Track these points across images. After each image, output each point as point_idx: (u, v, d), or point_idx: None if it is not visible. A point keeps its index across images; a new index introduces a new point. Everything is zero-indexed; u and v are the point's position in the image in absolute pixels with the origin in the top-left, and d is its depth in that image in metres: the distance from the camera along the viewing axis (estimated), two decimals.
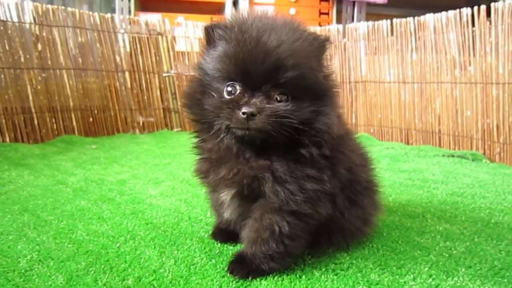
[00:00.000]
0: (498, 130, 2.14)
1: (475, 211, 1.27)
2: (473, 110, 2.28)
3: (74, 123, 2.73)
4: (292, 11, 4.29)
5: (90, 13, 2.82)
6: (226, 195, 0.82)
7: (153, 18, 3.23)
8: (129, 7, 3.61)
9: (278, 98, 0.74)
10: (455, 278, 0.82)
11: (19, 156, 2.03)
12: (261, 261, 0.80)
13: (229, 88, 0.74)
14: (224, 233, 0.98)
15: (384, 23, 2.77)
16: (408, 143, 2.68)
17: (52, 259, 0.87)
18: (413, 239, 1.02)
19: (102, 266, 0.84)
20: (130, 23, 3.03)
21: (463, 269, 0.86)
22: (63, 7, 2.66)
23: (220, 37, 0.76)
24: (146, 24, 3.07)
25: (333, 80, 0.82)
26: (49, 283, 0.77)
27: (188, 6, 3.98)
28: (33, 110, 2.52)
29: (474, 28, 2.25)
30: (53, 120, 2.62)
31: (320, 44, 0.79)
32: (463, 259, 0.91)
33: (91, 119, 2.82)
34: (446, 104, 2.45)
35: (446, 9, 2.42)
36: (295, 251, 0.83)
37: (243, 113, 0.69)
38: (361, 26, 2.92)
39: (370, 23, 2.86)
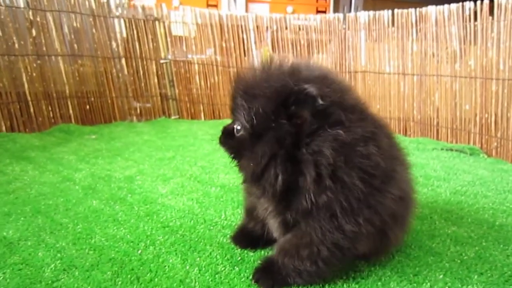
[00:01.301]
0: (496, 125, 2.19)
1: (479, 212, 1.31)
2: (472, 104, 2.32)
3: (71, 111, 2.68)
4: None
5: None
6: (274, 222, 0.86)
7: (148, 1, 3.15)
8: None
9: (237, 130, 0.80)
10: (470, 286, 0.86)
11: (18, 147, 2.00)
12: (289, 273, 0.82)
13: None
14: (246, 238, 0.99)
15: (385, 13, 2.75)
16: (406, 135, 2.72)
17: (76, 268, 0.88)
18: (425, 244, 1.06)
19: (129, 276, 0.85)
20: (126, 8, 2.95)
21: (475, 276, 0.90)
22: None
23: None
24: (143, 8, 2.99)
25: (275, 125, 0.73)
26: None
27: None
28: (28, 98, 2.46)
29: (476, 23, 2.26)
30: (49, 108, 2.57)
31: (284, 91, 0.72)
32: (474, 265, 0.95)
33: (87, 107, 2.77)
34: (445, 97, 2.48)
35: (448, 1, 2.42)
36: (325, 274, 0.84)
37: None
38: (361, 16, 2.90)
39: (371, 12, 2.84)
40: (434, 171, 1.79)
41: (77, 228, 1.09)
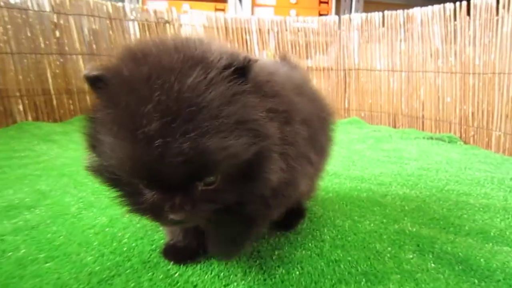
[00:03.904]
0: (473, 116, 2.38)
1: (434, 181, 1.52)
2: (453, 98, 2.52)
3: (89, 104, 2.97)
4: (293, 0, 4.48)
5: (103, 2, 3.04)
6: None
7: (160, 6, 3.44)
8: None
9: (205, 183, 0.56)
10: (400, 224, 1.08)
11: (44, 133, 2.29)
12: None
13: (143, 184, 0.57)
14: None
15: (376, 15, 2.97)
16: (395, 127, 2.93)
17: (95, 207, 1.14)
18: (376, 199, 1.28)
19: None
20: (140, 12, 3.24)
21: (408, 219, 1.12)
22: None
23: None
24: (155, 12, 3.28)
25: (272, 119, 0.59)
26: (97, 221, 1.04)
27: None
28: (52, 92, 2.77)
29: (455, 22, 2.46)
30: (70, 101, 2.87)
31: (236, 76, 0.55)
32: (411, 213, 1.17)
33: None
34: (429, 92, 2.68)
35: (432, 3, 2.63)
36: None
37: (172, 220, 0.56)
38: (355, 18, 3.13)
39: (364, 14, 3.07)
40: (409, 153, 2.00)
41: (96, 185, 1.34)
